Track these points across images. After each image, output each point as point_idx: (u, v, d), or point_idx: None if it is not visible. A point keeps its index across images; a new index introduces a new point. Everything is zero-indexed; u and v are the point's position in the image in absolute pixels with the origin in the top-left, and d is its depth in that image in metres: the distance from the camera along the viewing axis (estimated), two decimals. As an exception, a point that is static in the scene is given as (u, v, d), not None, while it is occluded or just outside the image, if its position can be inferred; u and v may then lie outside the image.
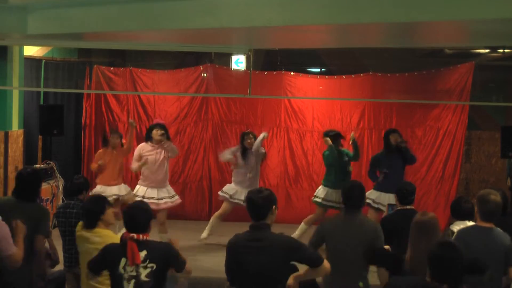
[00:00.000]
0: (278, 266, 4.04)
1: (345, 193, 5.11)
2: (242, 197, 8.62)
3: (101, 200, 5.28)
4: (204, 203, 10.82)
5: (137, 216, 4.28)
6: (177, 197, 8.66)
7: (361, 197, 5.10)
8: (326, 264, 4.16)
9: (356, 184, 5.19)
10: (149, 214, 4.36)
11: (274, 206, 4.15)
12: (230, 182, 9.07)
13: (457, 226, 5.33)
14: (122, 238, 4.26)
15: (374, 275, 5.75)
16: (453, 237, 4.88)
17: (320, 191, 8.73)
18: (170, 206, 8.48)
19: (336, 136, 8.72)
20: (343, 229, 5.00)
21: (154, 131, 8.35)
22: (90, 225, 5.13)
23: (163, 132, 8.33)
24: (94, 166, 8.66)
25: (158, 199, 8.31)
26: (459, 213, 5.46)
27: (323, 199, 8.64)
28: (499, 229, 4.77)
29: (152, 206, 7.83)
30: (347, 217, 5.08)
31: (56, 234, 6.25)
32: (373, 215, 7.99)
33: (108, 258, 4.30)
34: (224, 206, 8.98)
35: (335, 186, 8.48)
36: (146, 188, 8.39)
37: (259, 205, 4.12)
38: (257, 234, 4.10)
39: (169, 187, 8.61)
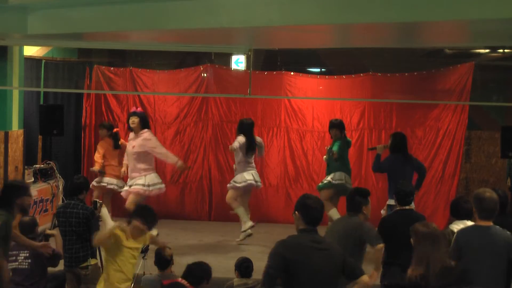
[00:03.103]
0: (336, 269, 4.15)
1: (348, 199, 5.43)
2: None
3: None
4: (204, 203, 10.82)
5: None
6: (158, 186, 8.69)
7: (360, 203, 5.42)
8: (365, 278, 4.26)
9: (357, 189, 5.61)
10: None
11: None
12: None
13: (456, 226, 5.34)
14: None
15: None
16: (453, 238, 4.87)
17: None
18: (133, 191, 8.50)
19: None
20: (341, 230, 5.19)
21: (130, 120, 8.64)
22: None
23: (134, 120, 8.56)
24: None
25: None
26: (458, 213, 5.47)
27: None
28: (498, 226, 4.77)
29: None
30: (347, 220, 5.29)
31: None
32: None
33: None
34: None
35: None
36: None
37: (319, 212, 4.22)
38: (317, 237, 4.18)
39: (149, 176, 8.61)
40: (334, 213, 8.49)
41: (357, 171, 10.35)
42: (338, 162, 8.68)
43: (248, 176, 8.80)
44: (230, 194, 8.87)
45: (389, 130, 10.39)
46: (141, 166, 8.53)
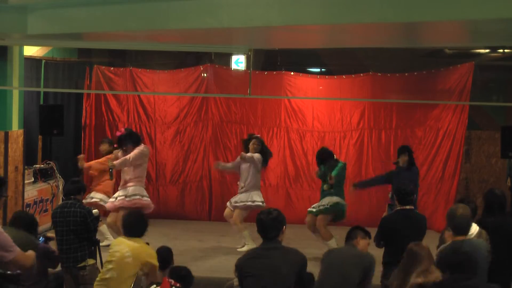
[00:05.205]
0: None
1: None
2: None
3: None
4: (204, 203, 10.82)
5: None
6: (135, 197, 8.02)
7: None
8: None
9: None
10: None
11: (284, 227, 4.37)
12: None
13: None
14: None
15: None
16: (435, 256, 4.85)
17: None
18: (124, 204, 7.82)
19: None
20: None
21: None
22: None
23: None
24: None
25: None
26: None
27: None
28: (469, 240, 4.78)
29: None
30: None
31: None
32: None
33: None
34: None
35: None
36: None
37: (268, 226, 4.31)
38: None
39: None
40: (333, 243, 7.90)
41: (357, 171, 10.35)
42: (334, 189, 8.09)
43: (256, 197, 8.46)
44: (238, 214, 8.46)
45: (389, 130, 10.42)
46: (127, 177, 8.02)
